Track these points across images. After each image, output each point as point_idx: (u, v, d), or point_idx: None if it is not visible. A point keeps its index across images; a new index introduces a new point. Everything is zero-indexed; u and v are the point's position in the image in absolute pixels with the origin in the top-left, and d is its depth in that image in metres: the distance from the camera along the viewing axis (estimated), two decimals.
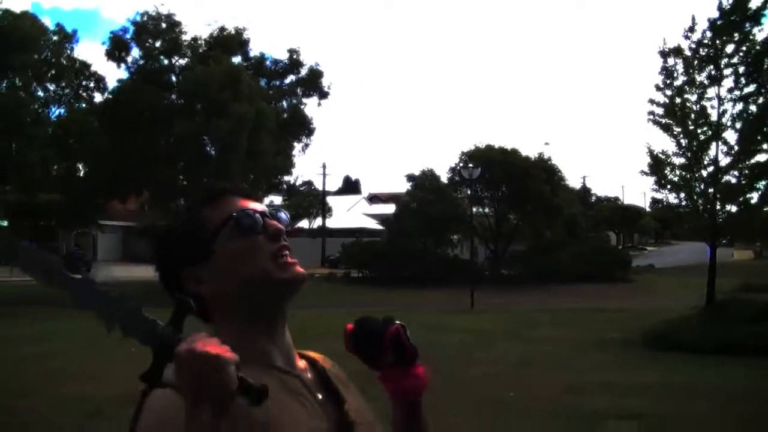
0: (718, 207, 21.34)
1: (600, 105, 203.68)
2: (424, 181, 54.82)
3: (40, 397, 11.38)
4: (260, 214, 1.66)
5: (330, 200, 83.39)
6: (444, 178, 55.19)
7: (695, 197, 21.54)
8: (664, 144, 23.26)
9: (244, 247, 1.61)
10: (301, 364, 1.68)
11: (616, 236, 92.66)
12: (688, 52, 21.04)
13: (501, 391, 12.35)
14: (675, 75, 21.13)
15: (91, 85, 42.10)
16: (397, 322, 1.75)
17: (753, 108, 20.81)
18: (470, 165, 48.26)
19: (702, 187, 21.31)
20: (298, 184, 54.80)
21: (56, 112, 37.13)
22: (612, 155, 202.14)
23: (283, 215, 1.71)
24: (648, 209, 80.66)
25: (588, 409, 10.75)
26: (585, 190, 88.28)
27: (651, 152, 21.87)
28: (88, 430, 9.47)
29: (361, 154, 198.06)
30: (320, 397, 1.63)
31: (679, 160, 21.58)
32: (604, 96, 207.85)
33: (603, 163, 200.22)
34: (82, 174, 37.34)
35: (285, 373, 1.60)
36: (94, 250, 69.11)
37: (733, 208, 21.62)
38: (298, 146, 48.40)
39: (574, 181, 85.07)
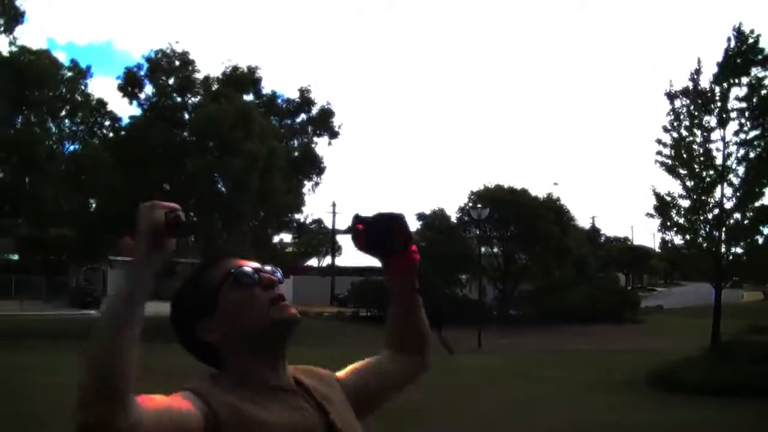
0: (723, 249, 21.56)
1: (610, 145, 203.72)
2: (434, 221, 55.04)
3: (59, 425, 11.56)
4: (254, 270, 1.96)
5: (340, 239, 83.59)
6: (453, 217, 55.42)
7: (700, 239, 21.75)
8: (670, 186, 23.58)
9: (243, 298, 1.91)
10: (293, 382, 1.96)
11: (625, 277, 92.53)
12: (693, 95, 21.33)
13: (505, 429, 12.52)
14: (681, 117, 21.41)
15: (106, 123, 42.57)
16: (396, 214, 2.12)
17: (758, 151, 21.07)
18: (479, 205, 48.51)
19: (707, 229, 21.52)
20: (308, 222, 54.96)
21: (70, 147, 37.54)
22: (621, 196, 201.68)
23: (278, 272, 2.00)
24: (657, 250, 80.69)
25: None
26: (594, 230, 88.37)
27: (657, 194, 22.11)
28: None
29: (371, 192, 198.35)
30: (311, 407, 1.92)
31: (684, 202, 21.81)
32: (615, 136, 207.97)
33: (612, 204, 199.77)
34: (93, 209, 37.67)
35: (282, 390, 1.89)
36: (104, 285, 69.28)
37: (739, 250, 21.85)
38: (308, 185, 48.67)
39: (583, 221, 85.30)
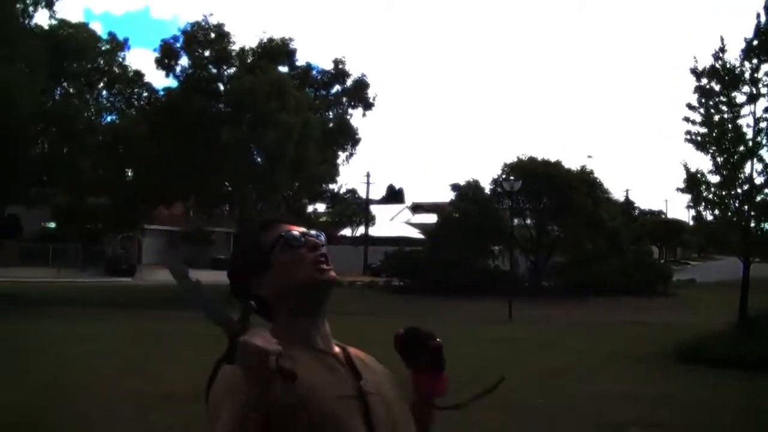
0: (752, 224, 21.68)
1: (645, 118, 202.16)
2: (467, 192, 55.20)
3: (98, 393, 12.08)
4: (301, 233, 2.28)
5: (373, 209, 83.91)
6: (487, 189, 55.55)
7: (730, 214, 21.86)
8: (701, 161, 23.70)
9: (292, 258, 2.22)
10: (337, 349, 2.25)
11: (658, 250, 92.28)
12: (722, 72, 21.36)
13: (531, 397, 12.83)
14: (709, 94, 21.47)
15: (144, 94, 43.05)
16: (436, 340, 2.31)
17: None
18: (512, 177, 48.60)
19: (737, 204, 21.62)
20: (342, 192, 55.38)
21: (108, 119, 38.07)
22: (656, 169, 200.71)
23: (321, 236, 2.33)
24: (691, 223, 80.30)
25: (613, 418, 11.20)
26: (628, 204, 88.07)
27: (687, 170, 22.22)
28: (145, 423, 10.09)
29: (406, 163, 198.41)
30: (347, 371, 2.19)
31: (714, 178, 21.90)
32: (650, 109, 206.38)
33: (647, 177, 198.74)
34: (130, 179, 38.20)
35: (323, 353, 2.18)
36: (139, 254, 70.12)
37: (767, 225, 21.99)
38: (342, 155, 49.11)
39: (617, 194, 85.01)
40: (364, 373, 2.20)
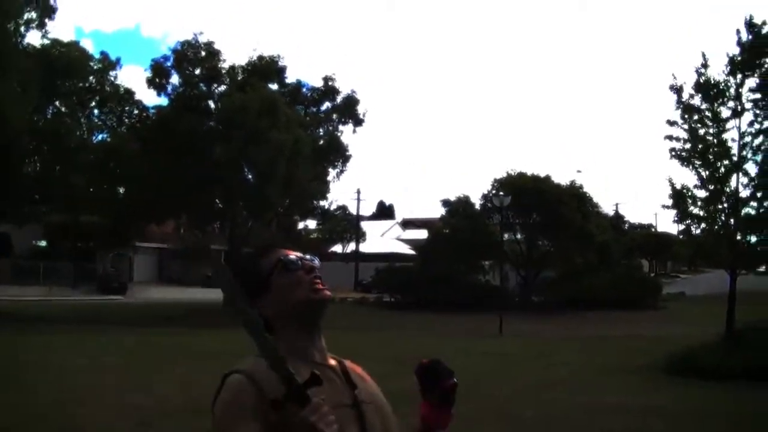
0: (738, 237, 21.95)
1: (634, 133, 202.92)
2: (458, 207, 55.45)
3: (97, 406, 12.25)
4: (298, 257, 2.49)
5: (364, 225, 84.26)
6: (477, 205, 55.80)
7: (716, 228, 22.12)
8: (687, 175, 24.01)
9: (290, 281, 2.43)
10: (333, 361, 2.45)
11: (648, 263, 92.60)
12: (706, 87, 21.64)
13: (521, 409, 13.06)
14: (692, 110, 21.74)
15: (135, 112, 43.25)
16: (455, 379, 2.49)
17: None
18: (501, 193, 48.96)
19: (723, 218, 21.89)
20: (332, 209, 55.66)
21: (99, 137, 38.26)
22: (646, 183, 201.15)
23: (315, 260, 2.55)
24: (680, 237, 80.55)
25: (604, 429, 11.41)
26: (618, 217, 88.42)
27: (672, 186, 22.49)
28: None
29: (395, 180, 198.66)
30: (342, 383, 2.38)
31: (700, 193, 22.15)
32: (639, 124, 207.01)
33: (637, 191, 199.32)
34: (122, 197, 38.40)
35: (320, 365, 2.35)
36: (130, 272, 70.19)
37: (754, 239, 22.24)
38: (333, 172, 49.33)
39: (606, 209, 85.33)
40: (358, 384, 2.40)
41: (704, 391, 15.87)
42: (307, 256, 2.52)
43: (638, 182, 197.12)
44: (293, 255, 2.49)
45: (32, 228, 56.30)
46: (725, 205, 21.73)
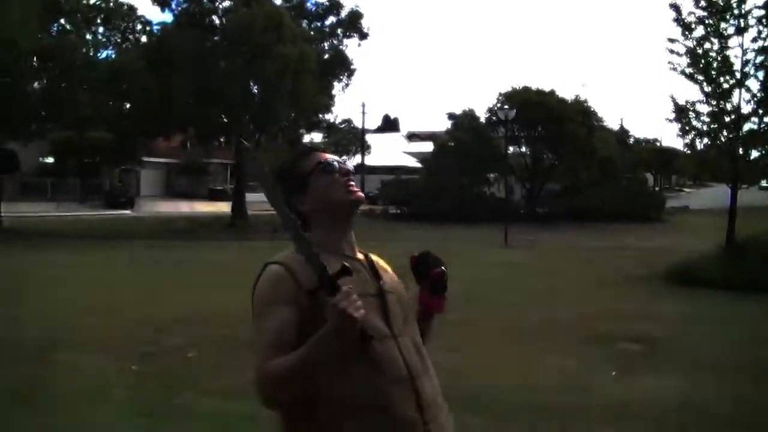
0: (740, 152, 22.23)
1: (640, 46, 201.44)
2: (463, 121, 55.58)
3: (115, 318, 12.73)
4: (335, 160, 2.79)
5: (369, 138, 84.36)
6: (482, 118, 55.93)
7: (719, 143, 22.39)
8: (689, 90, 24.25)
9: (328, 182, 2.73)
10: (360, 255, 2.77)
11: (653, 178, 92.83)
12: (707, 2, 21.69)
13: (524, 316, 13.53)
14: (693, 27, 21.81)
15: (138, 27, 43.19)
16: (443, 267, 2.85)
17: None
18: (506, 106, 49.10)
19: (725, 133, 22.13)
20: (338, 122, 55.79)
21: (105, 54, 38.26)
22: (651, 97, 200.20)
23: (350, 164, 2.89)
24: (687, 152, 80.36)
25: (600, 332, 11.87)
26: (623, 132, 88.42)
27: (675, 102, 22.70)
28: (158, 346, 10.73)
29: (401, 94, 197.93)
30: (369, 274, 2.71)
31: (703, 108, 22.35)
32: (645, 37, 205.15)
33: (643, 106, 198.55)
34: (127, 112, 38.58)
35: (349, 257, 2.68)
36: (138, 186, 70.61)
37: (755, 153, 22.54)
38: (338, 86, 49.42)
39: (611, 123, 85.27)
40: (383, 276, 2.73)
41: (701, 300, 16.34)
42: (343, 158, 2.85)
43: (644, 96, 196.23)
44: (331, 158, 2.78)
45: (38, 145, 56.66)
46: (728, 120, 21.97)
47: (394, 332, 2.53)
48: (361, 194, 2.78)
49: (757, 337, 11.93)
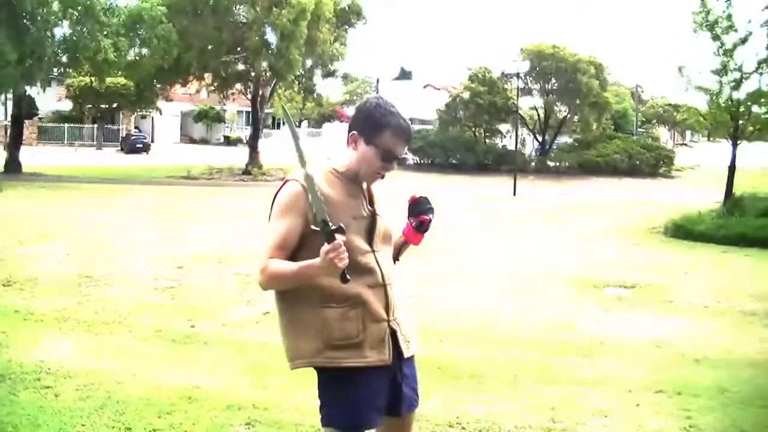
0: (741, 109, 22.79)
1: (658, 9, 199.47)
2: (477, 73, 55.81)
3: (136, 255, 13.54)
4: (396, 155, 3.36)
5: (384, 87, 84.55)
6: (497, 71, 56.09)
7: (720, 100, 22.94)
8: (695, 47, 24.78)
9: (376, 158, 3.33)
10: (364, 185, 3.44)
11: (669, 132, 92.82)
12: None
13: (520, 265, 14.27)
14: None
15: None
16: (430, 216, 3.58)
17: None
18: (519, 57, 49.54)
19: (728, 90, 22.67)
20: (353, 74, 56.11)
21: (124, 1, 38.52)
22: (668, 57, 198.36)
23: (408, 157, 3.63)
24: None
25: (594, 279, 12.60)
26: (638, 87, 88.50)
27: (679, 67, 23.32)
28: (181, 278, 11.57)
29: (418, 46, 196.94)
30: (364, 199, 3.43)
31: (707, 64, 22.90)
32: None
33: (660, 63, 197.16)
34: (147, 58, 38.98)
35: (356, 186, 3.41)
36: (153, 132, 71.23)
37: (756, 109, 23.10)
38: (354, 34, 49.64)
39: (628, 80, 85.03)
40: (375, 204, 3.48)
41: (695, 251, 17.14)
42: (404, 156, 3.52)
43: (661, 57, 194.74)
44: (398, 149, 3.37)
45: (55, 90, 57.24)
46: (730, 77, 22.50)
47: (374, 248, 3.32)
48: (381, 180, 3.47)
49: (739, 284, 12.63)
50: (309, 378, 3.48)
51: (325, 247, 3.00)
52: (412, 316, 3.48)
